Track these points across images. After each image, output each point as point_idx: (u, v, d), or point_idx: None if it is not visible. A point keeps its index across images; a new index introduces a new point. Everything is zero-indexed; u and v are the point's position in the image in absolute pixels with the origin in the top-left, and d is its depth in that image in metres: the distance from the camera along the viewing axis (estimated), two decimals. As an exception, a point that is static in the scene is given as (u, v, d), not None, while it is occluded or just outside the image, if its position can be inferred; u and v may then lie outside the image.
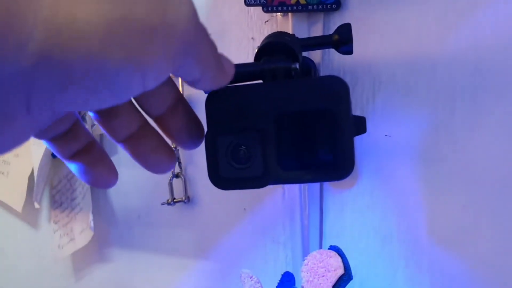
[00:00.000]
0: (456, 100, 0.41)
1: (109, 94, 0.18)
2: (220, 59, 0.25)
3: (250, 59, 0.42)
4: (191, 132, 0.28)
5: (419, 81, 0.43)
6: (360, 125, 0.35)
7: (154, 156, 0.27)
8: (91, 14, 0.16)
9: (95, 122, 0.25)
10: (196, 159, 0.58)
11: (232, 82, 0.36)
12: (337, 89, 0.33)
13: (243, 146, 0.34)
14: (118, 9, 0.16)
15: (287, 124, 0.34)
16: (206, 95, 0.36)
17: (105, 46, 0.16)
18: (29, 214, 0.77)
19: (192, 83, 0.25)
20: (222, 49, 0.56)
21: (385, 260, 0.45)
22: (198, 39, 0.21)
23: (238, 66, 0.37)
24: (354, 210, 0.46)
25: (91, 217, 0.66)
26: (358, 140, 0.45)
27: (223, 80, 0.25)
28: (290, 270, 0.49)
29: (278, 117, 0.34)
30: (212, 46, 0.23)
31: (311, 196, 0.48)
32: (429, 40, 0.42)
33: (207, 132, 0.35)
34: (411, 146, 0.43)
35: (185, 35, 0.19)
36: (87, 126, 0.64)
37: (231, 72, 0.25)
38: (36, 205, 0.72)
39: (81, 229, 0.68)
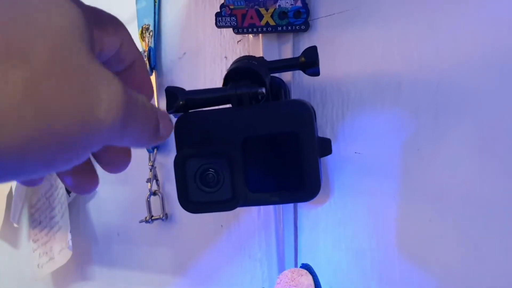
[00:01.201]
0: (420, 117, 0.42)
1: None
2: (157, 127, 0.23)
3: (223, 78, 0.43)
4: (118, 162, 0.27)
5: (386, 99, 0.44)
6: (325, 146, 0.36)
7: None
8: (12, 128, 0.16)
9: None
10: (173, 177, 0.59)
11: (200, 106, 0.37)
12: (301, 113, 0.34)
13: (211, 170, 0.35)
14: (38, 124, 0.17)
15: (254, 148, 0.35)
16: (175, 119, 0.37)
17: (23, 155, 0.17)
18: (8, 233, 0.76)
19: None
20: (196, 67, 0.57)
21: (358, 275, 0.46)
22: (130, 122, 0.20)
23: (206, 91, 0.38)
24: (327, 226, 0.47)
25: (69, 236, 0.66)
26: (329, 157, 0.46)
27: (156, 143, 0.24)
28: (267, 287, 0.49)
29: (245, 141, 0.35)
30: (146, 120, 0.22)
31: (286, 213, 0.49)
32: (394, 60, 0.43)
33: (176, 156, 0.35)
34: (380, 162, 0.44)
35: (114, 128, 0.19)
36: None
37: (166, 136, 0.25)
38: (15, 224, 0.71)
39: (60, 248, 0.68)
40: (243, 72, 0.37)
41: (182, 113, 0.37)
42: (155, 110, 0.23)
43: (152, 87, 0.27)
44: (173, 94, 0.37)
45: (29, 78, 0.16)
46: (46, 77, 0.17)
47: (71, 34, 0.18)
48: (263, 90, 0.36)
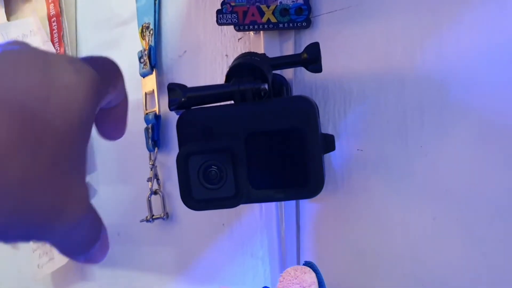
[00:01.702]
0: (424, 114, 0.42)
1: None
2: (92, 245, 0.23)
3: (224, 76, 0.42)
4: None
5: (388, 96, 0.44)
6: (329, 143, 0.36)
7: None
8: None
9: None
10: (174, 175, 0.58)
11: (202, 103, 0.37)
12: (304, 109, 0.34)
13: (214, 167, 0.35)
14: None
15: (257, 144, 0.35)
16: (178, 116, 0.37)
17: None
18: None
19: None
20: (197, 66, 0.57)
21: (361, 273, 0.46)
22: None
23: (208, 87, 0.37)
24: (329, 224, 0.47)
25: (70, 236, 0.65)
26: (332, 154, 0.46)
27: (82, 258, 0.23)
28: (269, 285, 0.49)
29: (248, 137, 0.35)
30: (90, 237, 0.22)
31: (288, 211, 0.49)
32: (397, 56, 0.43)
33: (179, 153, 0.35)
34: (383, 160, 0.44)
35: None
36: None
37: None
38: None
39: (60, 248, 0.67)
40: (246, 68, 0.36)
41: (184, 110, 0.37)
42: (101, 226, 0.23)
43: (124, 129, 0.27)
44: (175, 91, 0.37)
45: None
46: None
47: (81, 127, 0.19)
48: (266, 86, 0.35)
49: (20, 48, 0.20)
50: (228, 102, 0.37)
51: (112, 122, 0.26)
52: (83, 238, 0.22)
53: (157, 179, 0.59)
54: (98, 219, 0.23)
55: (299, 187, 0.35)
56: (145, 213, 0.59)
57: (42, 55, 0.20)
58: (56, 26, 0.68)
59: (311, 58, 0.40)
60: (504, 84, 0.39)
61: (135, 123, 0.61)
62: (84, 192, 0.21)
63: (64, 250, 0.22)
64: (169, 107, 0.37)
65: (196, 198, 0.35)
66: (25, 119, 0.18)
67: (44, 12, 0.69)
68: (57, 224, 0.19)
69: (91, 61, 0.22)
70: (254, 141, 0.35)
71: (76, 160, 0.20)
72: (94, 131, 0.24)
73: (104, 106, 0.24)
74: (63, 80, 0.19)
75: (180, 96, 0.36)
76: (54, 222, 0.19)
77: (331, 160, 0.46)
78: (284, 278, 0.38)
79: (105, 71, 0.22)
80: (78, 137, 0.20)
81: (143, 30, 0.60)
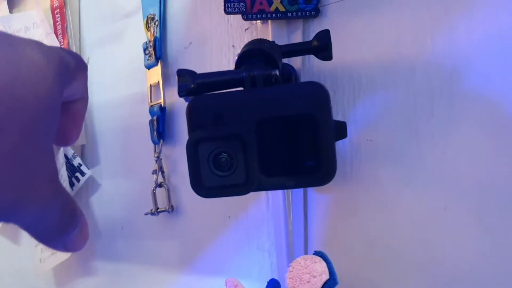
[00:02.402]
0: (434, 103, 0.41)
1: None
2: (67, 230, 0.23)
3: (231, 67, 0.42)
4: None
5: (398, 85, 0.43)
6: (341, 130, 0.35)
7: None
8: None
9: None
10: (179, 168, 0.58)
11: (212, 90, 0.36)
12: (317, 95, 0.33)
13: (224, 154, 0.34)
14: None
15: (268, 131, 0.34)
16: (187, 103, 0.36)
17: None
18: (10, 228, 0.75)
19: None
20: (203, 57, 0.57)
21: (370, 264, 0.45)
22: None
23: (218, 74, 0.37)
24: (338, 215, 0.46)
25: (73, 229, 0.65)
26: (340, 144, 0.46)
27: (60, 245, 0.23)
28: (276, 277, 0.48)
29: (259, 123, 0.34)
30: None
31: (295, 202, 0.48)
32: (406, 45, 0.43)
33: (189, 140, 0.35)
34: (393, 150, 0.44)
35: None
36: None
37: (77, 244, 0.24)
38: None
39: (63, 242, 0.67)
40: (257, 54, 0.36)
41: (193, 96, 0.36)
42: (76, 211, 0.23)
43: (78, 133, 0.27)
44: (185, 77, 0.36)
45: None
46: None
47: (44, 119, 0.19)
48: (277, 72, 0.35)
49: None
50: (238, 89, 0.36)
51: (69, 120, 0.25)
52: (55, 222, 0.21)
53: (162, 172, 0.58)
54: (72, 204, 0.23)
55: (311, 174, 0.34)
56: (150, 206, 0.58)
57: (8, 35, 0.20)
58: (59, 18, 0.67)
59: (321, 46, 0.39)
60: (517, 72, 0.38)
61: (140, 116, 0.60)
62: (53, 172, 0.21)
63: (36, 235, 0.21)
64: (179, 93, 0.36)
65: (206, 185, 0.34)
66: None
67: (47, 4, 0.69)
68: (24, 203, 0.19)
69: (60, 48, 0.23)
70: (265, 127, 0.34)
71: (45, 139, 0.20)
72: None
73: (64, 98, 0.24)
74: (31, 58, 0.19)
75: (190, 82, 0.36)
76: (21, 200, 0.19)
77: (340, 150, 0.46)
78: (294, 268, 0.38)
79: (72, 59, 0.23)
80: (47, 115, 0.20)
81: (148, 21, 0.59)
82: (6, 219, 0.19)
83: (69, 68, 0.22)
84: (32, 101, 0.19)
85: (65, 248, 0.23)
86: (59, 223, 0.22)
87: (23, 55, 0.19)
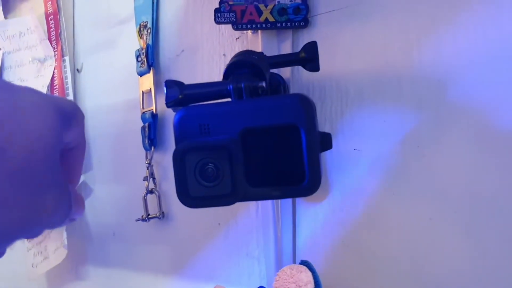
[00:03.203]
0: (421, 114, 0.42)
1: None
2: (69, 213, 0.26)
3: (222, 75, 0.42)
4: None
5: (385, 95, 0.44)
6: (326, 141, 0.36)
7: None
8: None
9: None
10: (170, 174, 0.58)
11: (199, 100, 0.37)
12: (302, 106, 0.34)
13: (211, 164, 0.34)
14: None
15: (255, 142, 0.35)
16: (175, 113, 0.37)
17: None
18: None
19: None
20: (194, 65, 0.57)
21: (357, 273, 0.45)
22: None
23: (206, 85, 0.37)
24: (326, 224, 0.47)
25: (65, 235, 0.65)
26: (328, 154, 0.46)
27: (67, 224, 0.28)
28: (264, 285, 0.49)
29: (245, 134, 0.35)
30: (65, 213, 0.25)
31: (284, 210, 0.48)
32: (394, 55, 0.43)
33: (175, 150, 0.35)
34: (380, 160, 0.44)
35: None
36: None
37: (76, 218, 0.28)
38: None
39: (55, 247, 0.67)
40: (244, 65, 0.36)
41: (181, 107, 0.36)
42: (71, 195, 0.25)
43: (79, 176, 0.30)
44: (172, 87, 0.36)
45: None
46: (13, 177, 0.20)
47: (45, 146, 0.21)
48: (263, 84, 0.35)
49: None
50: (226, 100, 0.37)
51: (68, 167, 0.27)
52: (64, 216, 0.25)
53: (153, 178, 0.59)
54: (72, 193, 0.25)
55: (296, 185, 0.35)
56: (140, 213, 0.58)
57: (7, 82, 0.22)
58: (53, 24, 0.67)
59: (309, 57, 0.40)
60: (501, 83, 0.39)
61: (132, 122, 0.61)
62: (62, 200, 0.23)
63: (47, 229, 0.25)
64: (166, 104, 0.36)
65: (192, 195, 0.35)
66: None
67: (41, 10, 0.69)
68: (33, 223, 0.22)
69: (56, 96, 0.25)
70: (251, 138, 0.35)
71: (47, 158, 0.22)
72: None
73: (63, 146, 0.26)
74: (31, 102, 0.21)
75: (177, 93, 0.36)
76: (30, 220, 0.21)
77: (328, 159, 0.46)
78: (280, 277, 0.38)
79: (68, 107, 0.25)
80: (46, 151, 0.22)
81: (141, 28, 0.59)
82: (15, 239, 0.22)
83: (65, 115, 0.24)
84: (32, 134, 0.21)
85: (70, 222, 0.27)
86: (65, 213, 0.25)
87: (23, 99, 0.21)
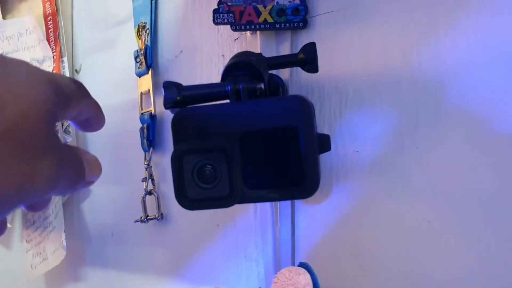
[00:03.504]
0: (420, 115, 0.42)
1: None
2: (83, 176, 0.26)
3: (221, 76, 0.42)
4: None
5: (384, 97, 0.43)
6: (325, 143, 0.36)
7: None
8: None
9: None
10: (169, 176, 0.58)
11: (198, 102, 0.37)
12: (300, 108, 0.34)
13: (209, 166, 0.34)
14: None
15: (252, 144, 0.35)
16: (173, 115, 0.37)
17: None
18: None
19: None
20: (193, 66, 0.57)
21: (356, 275, 0.45)
22: (60, 182, 0.23)
23: (204, 86, 0.37)
24: (324, 225, 0.47)
25: (63, 236, 0.65)
26: (327, 155, 0.46)
27: (84, 188, 0.27)
28: (263, 286, 0.49)
29: (243, 136, 0.35)
30: (75, 174, 0.25)
31: (283, 212, 0.48)
32: (393, 57, 0.43)
33: (173, 152, 0.35)
34: (379, 161, 0.44)
35: (45, 193, 0.23)
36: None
37: (93, 181, 0.28)
38: (8, 224, 0.70)
39: (54, 249, 0.67)
40: (242, 67, 0.36)
41: (179, 109, 0.36)
42: (81, 159, 0.26)
43: (101, 123, 0.30)
44: (170, 89, 0.36)
45: None
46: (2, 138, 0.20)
47: (36, 113, 0.21)
48: (262, 85, 0.35)
49: None
50: (224, 101, 0.37)
51: (86, 127, 0.29)
52: (70, 181, 0.25)
53: (152, 180, 0.59)
54: (75, 154, 0.26)
55: (294, 187, 0.35)
56: (140, 214, 0.58)
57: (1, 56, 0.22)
58: (52, 25, 0.67)
59: (307, 58, 0.39)
60: (499, 86, 0.39)
61: (130, 123, 0.60)
62: (63, 166, 0.23)
63: (58, 194, 0.25)
64: (164, 105, 0.36)
65: (190, 197, 0.34)
66: None
67: (40, 11, 0.69)
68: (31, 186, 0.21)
69: (52, 73, 0.25)
70: (249, 140, 0.35)
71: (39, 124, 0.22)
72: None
73: (74, 120, 0.27)
74: (24, 73, 0.22)
75: (175, 94, 0.36)
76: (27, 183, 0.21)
77: (327, 161, 0.46)
78: (278, 279, 0.38)
79: (70, 84, 0.25)
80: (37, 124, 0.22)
81: (140, 29, 0.59)
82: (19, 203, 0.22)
83: (61, 89, 0.24)
84: (24, 99, 0.21)
85: (86, 186, 0.27)
86: (73, 178, 0.25)
87: (15, 68, 0.22)
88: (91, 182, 0.27)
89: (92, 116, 0.28)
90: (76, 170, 0.25)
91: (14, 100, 0.20)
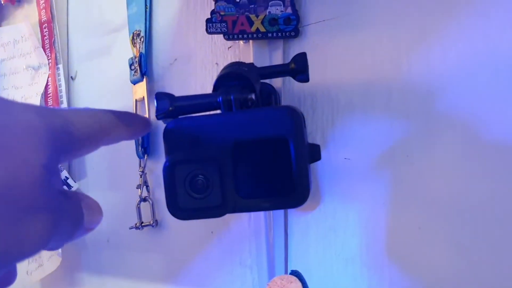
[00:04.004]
0: (410, 124, 0.42)
1: None
2: (81, 224, 0.25)
3: (214, 85, 0.42)
4: None
5: (375, 105, 0.44)
6: (315, 152, 0.36)
7: None
8: None
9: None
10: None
11: (190, 112, 0.37)
12: (290, 118, 0.34)
13: (201, 176, 0.35)
14: None
15: (244, 154, 0.35)
16: (165, 125, 0.37)
17: None
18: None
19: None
20: (187, 74, 0.57)
21: (348, 281, 0.46)
22: (54, 239, 0.22)
23: (196, 97, 0.38)
24: (317, 232, 0.47)
25: (59, 242, 0.65)
26: (319, 163, 0.46)
27: (84, 235, 0.26)
28: (257, 293, 0.49)
29: (235, 146, 0.35)
30: (72, 225, 0.24)
31: (276, 219, 0.49)
32: (384, 66, 0.43)
33: (165, 163, 0.35)
34: (370, 168, 0.44)
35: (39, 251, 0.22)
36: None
37: (94, 227, 0.27)
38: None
39: (49, 255, 0.67)
40: (233, 78, 0.37)
41: (171, 119, 0.37)
42: (80, 207, 0.24)
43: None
44: (163, 100, 0.37)
45: None
46: None
47: (29, 173, 0.20)
48: (253, 96, 0.36)
49: None
50: (216, 112, 0.37)
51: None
52: (67, 232, 0.23)
53: (147, 186, 0.59)
54: (73, 202, 0.24)
55: (285, 197, 0.35)
56: (135, 220, 0.59)
57: (6, 100, 0.21)
58: (47, 32, 0.68)
59: (298, 68, 0.40)
60: (489, 94, 0.39)
61: (125, 130, 0.61)
62: (59, 219, 0.22)
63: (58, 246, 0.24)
64: (156, 116, 0.37)
65: (182, 207, 0.35)
66: None
67: (35, 18, 0.69)
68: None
69: (70, 112, 0.24)
70: (241, 150, 0.35)
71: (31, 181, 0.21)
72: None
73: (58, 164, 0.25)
74: (28, 121, 0.21)
75: (168, 105, 0.36)
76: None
77: (319, 169, 0.46)
78: (270, 287, 0.39)
79: (86, 126, 0.25)
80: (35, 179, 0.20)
81: (134, 37, 0.60)
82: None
83: (60, 136, 0.23)
84: (17, 157, 0.20)
85: (87, 232, 0.26)
86: (70, 230, 0.24)
87: (12, 118, 0.20)
88: (91, 229, 0.26)
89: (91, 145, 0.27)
90: (74, 221, 0.24)
91: (6, 157, 0.19)
